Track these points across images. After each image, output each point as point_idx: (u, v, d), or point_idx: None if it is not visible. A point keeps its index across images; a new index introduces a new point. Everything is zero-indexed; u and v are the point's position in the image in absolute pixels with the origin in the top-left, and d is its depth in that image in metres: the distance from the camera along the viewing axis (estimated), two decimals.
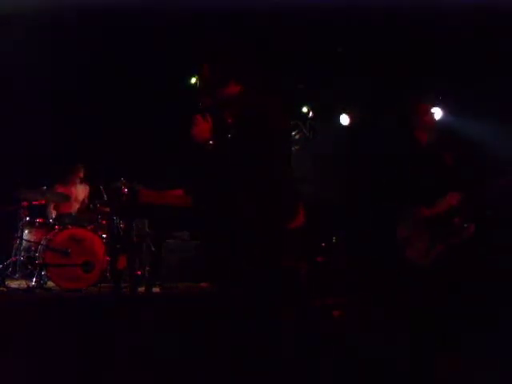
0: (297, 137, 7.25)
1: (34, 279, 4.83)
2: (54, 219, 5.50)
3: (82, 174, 6.07)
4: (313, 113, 7.20)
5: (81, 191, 6.15)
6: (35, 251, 5.04)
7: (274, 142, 2.40)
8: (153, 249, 5.55)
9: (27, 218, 5.21)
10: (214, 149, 2.40)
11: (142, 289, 4.99)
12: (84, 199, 6.14)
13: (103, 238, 5.30)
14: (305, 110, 7.24)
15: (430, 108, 3.71)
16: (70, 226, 5.23)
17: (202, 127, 2.40)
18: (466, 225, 3.19)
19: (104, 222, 5.60)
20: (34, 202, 5.22)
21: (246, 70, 2.52)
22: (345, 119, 7.32)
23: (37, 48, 5.34)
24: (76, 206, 5.99)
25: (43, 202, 5.33)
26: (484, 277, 3.51)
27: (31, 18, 5.07)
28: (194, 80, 5.70)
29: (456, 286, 3.18)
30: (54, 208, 5.90)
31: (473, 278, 3.26)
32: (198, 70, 2.49)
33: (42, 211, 5.54)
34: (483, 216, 3.39)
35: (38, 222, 5.26)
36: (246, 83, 2.50)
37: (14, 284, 4.90)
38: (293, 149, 6.15)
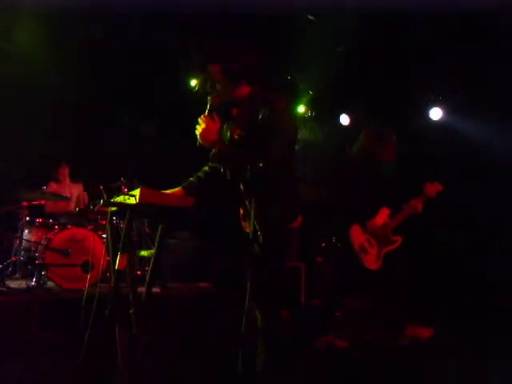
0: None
1: (34, 279, 4.82)
2: (54, 219, 5.49)
3: (67, 172, 6.07)
4: (313, 113, 7.20)
5: (74, 190, 6.15)
6: (35, 251, 5.03)
7: (282, 143, 2.41)
8: (153, 249, 5.54)
9: (27, 218, 5.20)
10: (221, 149, 2.39)
11: (142, 289, 4.98)
12: (79, 198, 6.14)
13: (103, 237, 5.29)
14: (304, 110, 7.24)
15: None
16: (69, 226, 5.23)
17: (210, 128, 2.39)
18: (394, 237, 3.94)
19: (104, 222, 5.59)
20: (33, 202, 5.21)
21: (257, 71, 2.51)
22: (345, 119, 7.32)
23: (36, 48, 5.34)
24: (72, 205, 5.99)
25: (43, 202, 5.32)
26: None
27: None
28: (193, 82, 5.71)
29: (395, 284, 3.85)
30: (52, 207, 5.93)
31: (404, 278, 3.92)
32: (206, 71, 2.48)
33: (42, 211, 5.53)
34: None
35: (38, 222, 5.25)
36: (256, 84, 2.50)
37: (13, 284, 4.90)
38: None
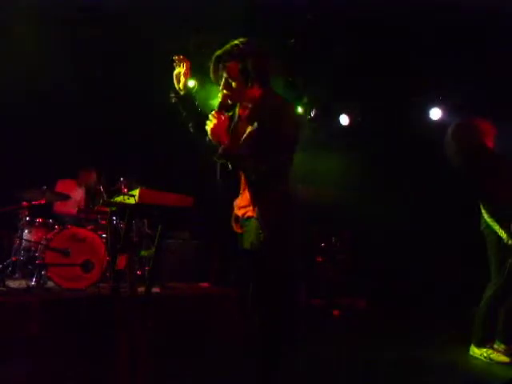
0: None
1: (34, 279, 4.83)
2: (54, 219, 5.50)
3: (93, 178, 6.11)
4: (313, 113, 7.20)
5: (81, 192, 6.18)
6: (35, 251, 5.04)
7: (288, 144, 2.45)
8: (153, 249, 5.55)
9: (27, 218, 5.20)
10: (230, 147, 2.40)
11: (141, 289, 4.99)
12: (81, 200, 6.17)
13: (103, 237, 5.30)
14: (304, 110, 7.24)
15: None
16: (69, 226, 5.23)
17: (221, 124, 2.39)
18: None
19: (104, 222, 5.60)
20: (33, 202, 5.21)
21: (269, 73, 2.53)
22: (345, 119, 7.32)
23: (38, 45, 5.33)
24: (76, 206, 6.01)
25: (43, 201, 5.33)
26: None
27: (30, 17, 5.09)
28: (192, 83, 5.71)
29: None
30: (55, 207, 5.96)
31: None
32: (223, 67, 2.47)
33: (42, 211, 5.53)
34: None
35: (38, 222, 5.26)
36: (266, 87, 2.52)
37: (13, 284, 4.90)
38: None
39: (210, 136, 2.41)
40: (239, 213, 2.53)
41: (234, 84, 2.46)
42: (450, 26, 5.14)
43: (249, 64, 2.42)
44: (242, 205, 2.51)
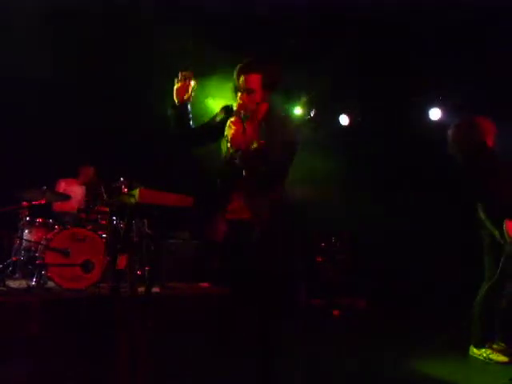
0: None
1: (34, 279, 4.83)
2: (54, 219, 5.50)
3: (91, 174, 6.14)
4: (313, 113, 7.19)
5: (82, 190, 6.19)
6: (35, 251, 5.04)
7: (290, 147, 2.54)
8: (153, 249, 5.55)
9: (27, 218, 5.21)
10: (246, 152, 2.46)
11: (141, 289, 4.99)
12: (82, 199, 6.17)
13: (103, 237, 5.30)
14: (304, 110, 7.23)
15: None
16: (69, 226, 5.23)
17: (239, 131, 2.46)
18: None
19: (104, 221, 5.60)
20: (33, 202, 5.21)
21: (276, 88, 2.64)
22: (345, 119, 7.32)
23: (36, 44, 5.33)
24: (76, 205, 6.02)
25: (43, 201, 5.33)
26: None
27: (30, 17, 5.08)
28: (192, 83, 5.68)
29: None
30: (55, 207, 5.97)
31: None
32: (240, 79, 2.54)
33: (42, 211, 5.53)
34: None
35: (38, 222, 5.26)
36: (269, 101, 2.62)
37: (14, 284, 4.90)
38: None
39: (230, 142, 2.48)
40: (233, 216, 2.55)
41: (251, 95, 2.54)
42: (450, 26, 5.13)
43: (271, 77, 2.55)
44: (237, 209, 2.53)
